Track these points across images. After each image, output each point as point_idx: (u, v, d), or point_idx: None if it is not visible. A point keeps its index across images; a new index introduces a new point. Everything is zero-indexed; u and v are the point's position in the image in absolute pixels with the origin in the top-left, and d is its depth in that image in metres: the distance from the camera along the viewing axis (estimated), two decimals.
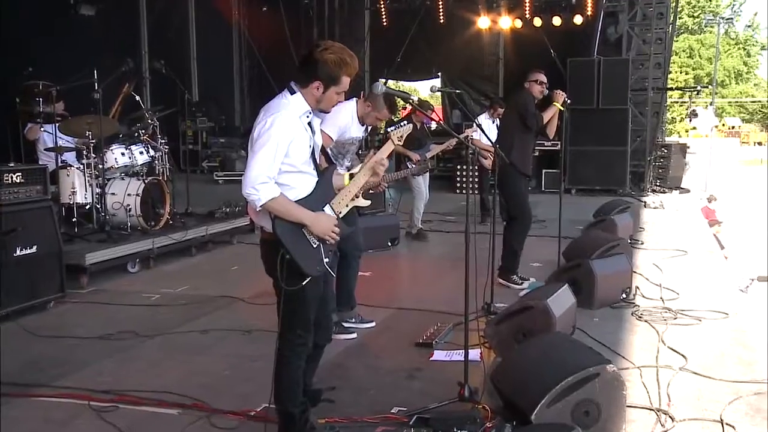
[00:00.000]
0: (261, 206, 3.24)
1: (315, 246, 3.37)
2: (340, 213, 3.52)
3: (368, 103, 5.25)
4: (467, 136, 8.85)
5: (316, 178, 3.44)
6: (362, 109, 5.27)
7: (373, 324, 5.71)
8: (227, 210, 9.43)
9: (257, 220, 3.43)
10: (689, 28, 54.05)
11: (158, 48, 17.04)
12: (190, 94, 11.55)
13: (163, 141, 8.72)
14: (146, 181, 7.94)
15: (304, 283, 3.34)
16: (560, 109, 6.75)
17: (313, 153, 3.43)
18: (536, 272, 7.34)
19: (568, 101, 6.78)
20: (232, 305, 6.40)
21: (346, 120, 5.19)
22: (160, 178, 8.41)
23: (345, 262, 5.47)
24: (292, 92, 3.38)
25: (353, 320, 5.62)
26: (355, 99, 5.30)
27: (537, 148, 14.75)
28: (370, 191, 5.28)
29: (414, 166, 8.55)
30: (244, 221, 9.36)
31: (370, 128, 5.47)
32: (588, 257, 6.45)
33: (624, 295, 6.29)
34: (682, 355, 4.92)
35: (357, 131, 5.30)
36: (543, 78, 6.83)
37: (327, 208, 3.46)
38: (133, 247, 7.55)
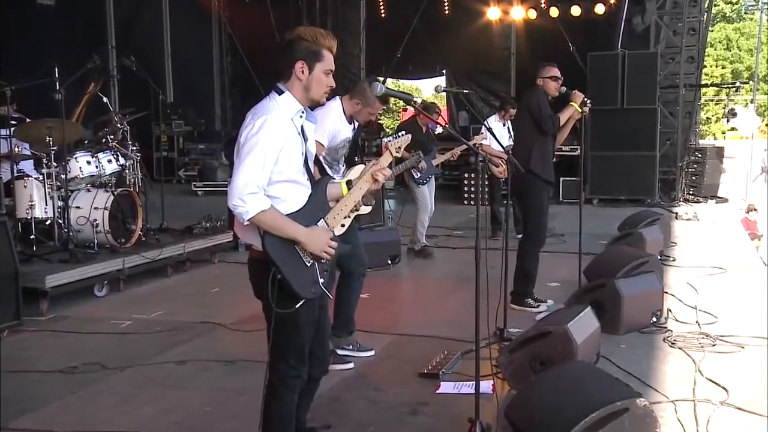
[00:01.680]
0: (249, 220, 3.23)
1: (309, 265, 3.38)
2: (336, 228, 3.52)
3: (356, 100, 5.27)
4: (476, 143, 8.82)
5: (310, 190, 3.45)
6: (351, 107, 5.29)
7: (372, 352, 5.69)
8: (207, 225, 9.43)
9: (244, 236, 3.42)
10: (726, 16, 54.09)
11: (128, 42, 17.08)
12: (164, 95, 11.52)
13: (134, 147, 8.72)
14: (115, 193, 7.94)
15: (297, 306, 3.34)
16: (577, 111, 6.74)
17: (306, 161, 3.44)
18: (554, 293, 7.32)
19: (589, 103, 6.76)
20: (213, 332, 6.38)
21: (335, 122, 5.21)
22: (131, 189, 8.40)
23: (346, 281, 5.48)
24: (280, 92, 3.40)
25: (350, 347, 5.61)
26: (338, 97, 5.33)
27: (556, 153, 14.77)
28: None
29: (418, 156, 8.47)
30: (226, 237, 9.36)
31: (357, 126, 5.47)
32: (613, 276, 6.44)
33: (654, 319, 6.27)
34: (723, 388, 4.90)
35: (347, 132, 5.33)
36: (557, 73, 6.83)
37: (321, 223, 3.47)
38: (101, 268, 7.53)
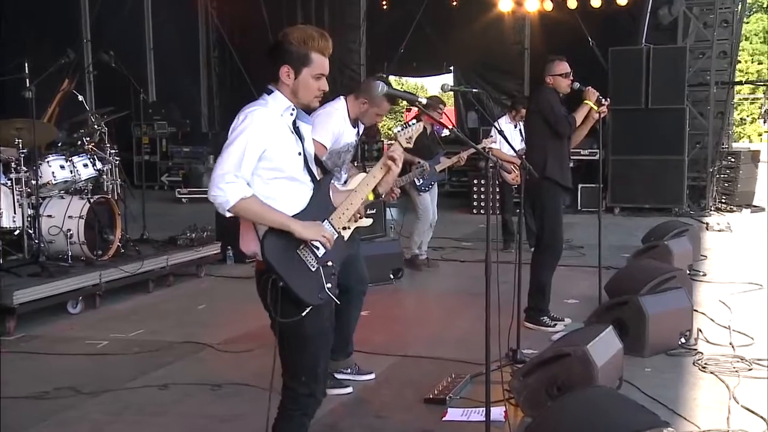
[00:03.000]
0: (230, 210, 3.29)
1: (314, 269, 3.41)
2: (341, 230, 3.56)
3: (363, 100, 5.29)
4: (486, 147, 8.80)
5: (311, 191, 3.50)
6: (356, 108, 5.30)
7: (373, 376, 5.68)
8: (193, 235, 9.42)
9: (247, 247, 3.45)
10: (764, 6, 54.03)
11: (106, 36, 17.15)
12: (145, 93, 11.54)
13: (112, 151, 8.73)
14: (92, 201, 7.94)
15: (303, 314, 3.37)
16: (594, 109, 6.74)
17: (306, 162, 3.49)
18: (572, 311, 7.31)
19: (605, 101, 6.76)
20: (198, 353, 6.37)
21: (338, 123, 5.23)
22: (109, 196, 8.40)
23: (345, 298, 5.46)
24: (270, 92, 3.48)
25: (349, 371, 5.59)
26: (342, 97, 5.35)
27: (572, 158, 14.77)
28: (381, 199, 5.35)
29: (421, 168, 8.48)
30: (213, 249, 9.36)
31: (362, 130, 5.48)
32: (637, 292, 6.42)
33: (683, 340, 6.25)
34: (761, 417, 4.87)
35: (351, 136, 5.35)
36: (567, 68, 6.82)
37: (326, 224, 3.50)
38: (75, 283, 7.52)
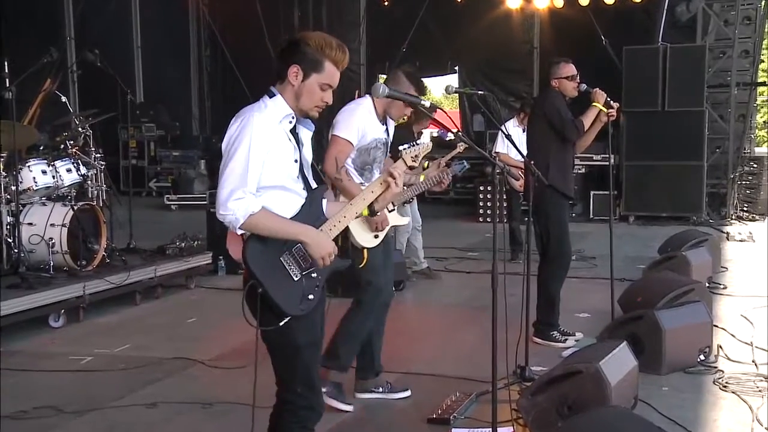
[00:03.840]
0: (241, 227, 3.35)
1: (296, 279, 3.45)
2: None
3: None
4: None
5: (304, 200, 3.54)
6: (382, 102, 5.32)
7: (408, 393, 5.65)
8: (182, 245, 9.43)
9: (237, 254, 3.48)
10: None
11: (90, 33, 17.17)
12: (133, 94, 11.56)
13: (97, 155, 8.74)
14: (75, 208, 7.95)
15: (281, 323, 3.41)
16: (603, 112, 6.74)
17: (302, 169, 3.53)
18: (584, 326, 7.31)
19: (614, 104, 6.75)
20: (187, 370, 6.37)
21: (363, 118, 5.28)
22: (94, 203, 8.41)
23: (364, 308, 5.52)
24: (272, 95, 3.52)
25: (380, 389, 5.63)
26: (368, 95, 5.40)
27: (583, 163, 14.80)
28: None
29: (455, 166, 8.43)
30: (204, 259, 9.37)
31: (393, 127, 5.50)
32: (652, 306, 6.42)
33: (702, 357, 6.25)
34: None
35: (379, 131, 5.37)
36: (573, 70, 6.86)
37: None
38: (57, 294, 7.52)
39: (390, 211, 5.28)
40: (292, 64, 3.47)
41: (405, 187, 5.53)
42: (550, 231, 6.93)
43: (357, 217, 3.78)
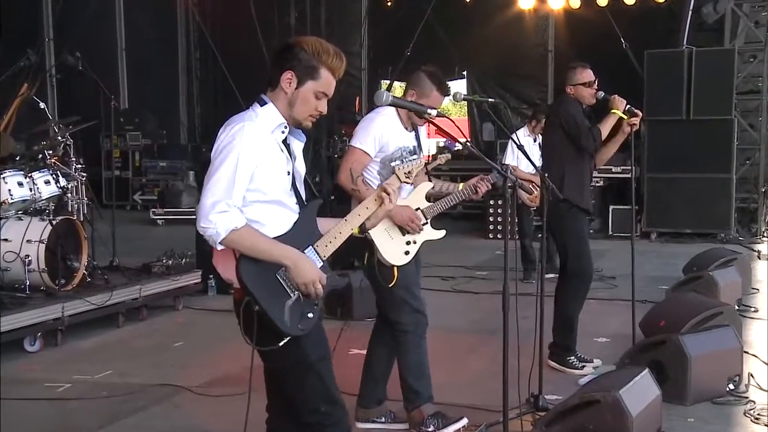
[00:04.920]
0: (221, 243, 3.34)
1: (294, 296, 3.45)
2: (326, 257, 3.60)
3: (411, 91, 5.32)
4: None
5: (297, 215, 3.56)
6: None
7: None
8: (169, 262, 9.43)
9: (225, 271, 3.50)
10: None
11: (71, 34, 17.20)
12: (116, 100, 11.60)
13: (78, 165, 8.75)
14: (54, 222, 7.95)
15: (280, 343, 3.41)
16: (624, 119, 6.73)
17: (294, 182, 3.56)
18: (602, 351, 7.30)
19: (637, 112, 6.75)
20: (174, 398, 6.36)
21: (382, 127, 5.27)
22: (74, 217, 8.41)
23: (378, 333, 5.55)
24: (263, 103, 3.54)
25: (382, 419, 5.63)
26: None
27: (602, 175, 14.80)
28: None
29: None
30: (192, 278, 9.35)
31: (420, 131, 5.50)
32: (677, 330, 6.40)
33: (732, 386, 6.23)
34: None
35: (404, 139, 5.34)
36: (591, 76, 6.86)
37: (310, 251, 3.54)
38: (34, 316, 7.51)
39: (423, 224, 5.27)
40: (285, 69, 3.49)
41: (429, 200, 5.50)
42: (568, 247, 6.91)
43: (360, 233, 3.77)
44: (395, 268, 5.21)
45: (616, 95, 6.76)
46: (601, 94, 6.80)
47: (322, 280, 3.47)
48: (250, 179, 3.39)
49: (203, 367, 6.96)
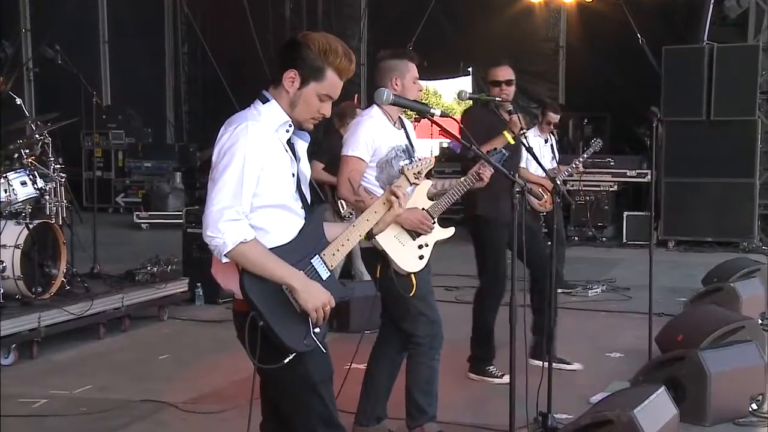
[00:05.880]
0: (227, 255, 3.33)
1: (300, 310, 3.44)
2: (333, 266, 3.59)
3: (395, 79, 5.35)
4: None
5: (303, 221, 3.55)
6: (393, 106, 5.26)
7: None
8: (154, 269, 9.40)
9: (225, 281, 3.50)
10: None
11: (50, 25, 17.20)
12: (98, 96, 11.60)
13: (57, 165, 8.74)
14: (31, 227, 7.94)
15: (285, 360, 3.41)
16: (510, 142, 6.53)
17: (299, 185, 3.56)
18: (616, 367, 7.31)
19: (525, 131, 6.55)
20: (159, 415, 6.35)
21: (371, 129, 5.28)
22: (53, 221, 8.40)
23: (383, 345, 5.56)
24: (265, 101, 3.52)
25: None
26: (374, 105, 5.40)
27: (615, 179, 14.80)
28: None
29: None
30: (179, 287, 9.34)
31: (408, 127, 5.51)
32: (696, 346, 6.40)
33: (755, 406, 6.22)
34: None
35: (395, 138, 5.37)
36: (502, 75, 7.00)
37: (317, 261, 3.54)
38: (8, 327, 7.47)
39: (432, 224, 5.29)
40: (289, 68, 3.48)
41: (431, 199, 5.50)
42: (484, 259, 7.17)
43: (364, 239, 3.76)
44: (412, 276, 5.21)
45: (516, 116, 6.63)
46: (510, 107, 6.79)
47: (331, 302, 3.46)
48: (257, 181, 3.39)
49: (190, 381, 6.94)
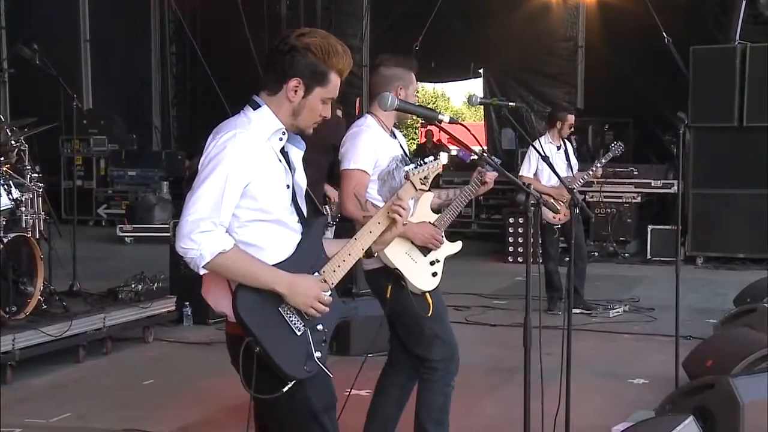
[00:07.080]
0: (205, 267, 3.33)
1: (300, 333, 3.45)
2: (334, 284, 3.59)
3: (399, 87, 5.34)
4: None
5: (299, 236, 3.55)
6: (391, 113, 5.26)
7: None
8: (139, 287, 9.40)
9: (216, 302, 3.52)
10: None
11: (27, 23, 17.25)
12: (79, 99, 11.61)
13: (34, 174, 8.75)
14: (5, 240, 7.96)
15: (285, 388, 3.41)
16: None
17: (295, 197, 3.55)
18: (640, 395, 7.30)
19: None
20: None
21: (371, 140, 5.30)
22: (29, 234, 8.41)
23: (392, 371, 5.55)
24: (256, 107, 3.52)
25: None
26: (367, 114, 5.44)
27: (639, 190, 14.81)
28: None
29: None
30: (165, 306, 9.33)
31: (398, 135, 5.54)
32: (727, 372, 6.39)
33: None
34: None
35: (392, 147, 5.38)
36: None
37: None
38: None
39: None
40: (292, 77, 3.47)
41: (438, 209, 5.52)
42: None
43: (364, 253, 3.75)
44: (427, 295, 5.22)
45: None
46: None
47: (322, 297, 3.45)
48: (241, 195, 3.38)
49: (176, 409, 6.94)
